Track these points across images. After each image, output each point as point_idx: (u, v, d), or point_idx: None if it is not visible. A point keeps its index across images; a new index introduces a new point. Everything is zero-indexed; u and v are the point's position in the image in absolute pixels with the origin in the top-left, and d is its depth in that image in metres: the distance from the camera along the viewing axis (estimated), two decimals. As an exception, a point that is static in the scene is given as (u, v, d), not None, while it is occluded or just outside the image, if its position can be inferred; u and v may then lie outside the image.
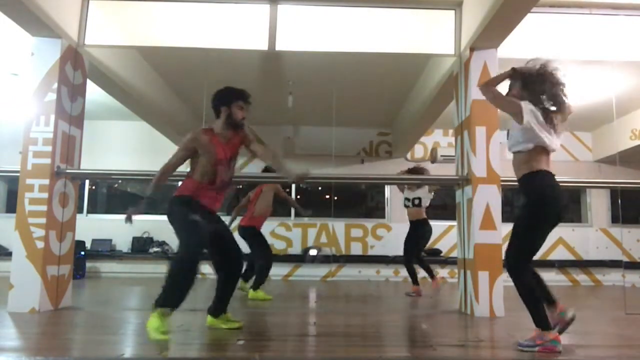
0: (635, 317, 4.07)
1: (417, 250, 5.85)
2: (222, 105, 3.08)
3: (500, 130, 4.18)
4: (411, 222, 5.84)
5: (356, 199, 8.98)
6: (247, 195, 5.55)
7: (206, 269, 5.26)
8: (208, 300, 3.22)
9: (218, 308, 3.16)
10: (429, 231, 5.82)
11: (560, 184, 2.78)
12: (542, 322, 2.60)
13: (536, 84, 2.77)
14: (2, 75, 5.98)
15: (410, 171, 5.73)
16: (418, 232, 5.76)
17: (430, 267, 5.95)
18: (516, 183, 2.85)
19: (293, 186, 8.34)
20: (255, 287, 5.04)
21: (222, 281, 3.16)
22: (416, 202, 5.76)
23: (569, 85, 2.86)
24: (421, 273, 5.84)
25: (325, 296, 5.93)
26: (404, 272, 5.66)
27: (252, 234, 5.29)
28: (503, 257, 2.77)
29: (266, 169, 4.93)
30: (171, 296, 2.70)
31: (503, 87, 2.91)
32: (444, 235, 8.09)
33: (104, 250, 7.88)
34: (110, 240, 7.99)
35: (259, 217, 5.38)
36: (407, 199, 5.86)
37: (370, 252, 8.12)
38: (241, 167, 8.00)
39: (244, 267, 5.31)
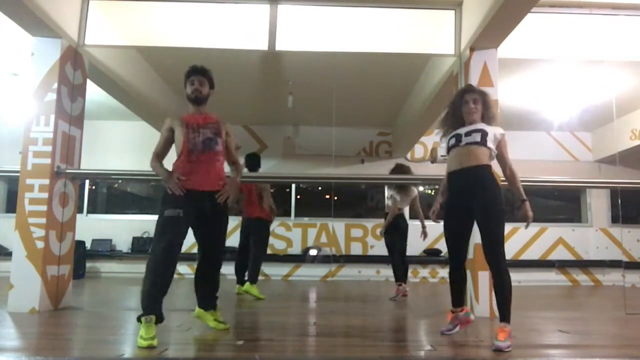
0: (635, 317, 4.07)
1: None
2: (186, 80, 3.14)
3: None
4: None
5: (356, 199, 8.99)
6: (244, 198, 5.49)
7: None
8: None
9: (203, 301, 3.16)
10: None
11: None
12: (508, 316, 2.71)
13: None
14: (2, 75, 5.98)
15: (396, 170, 5.52)
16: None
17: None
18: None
19: (293, 186, 8.35)
20: (254, 280, 5.06)
21: (200, 274, 3.14)
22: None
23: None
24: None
25: (325, 296, 5.92)
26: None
27: (267, 226, 5.38)
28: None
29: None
30: (144, 302, 2.75)
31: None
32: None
33: (104, 250, 7.88)
34: (110, 240, 7.99)
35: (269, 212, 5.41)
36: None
37: (370, 252, 8.12)
38: (241, 167, 7.99)
39: (237, 270, 5.34)
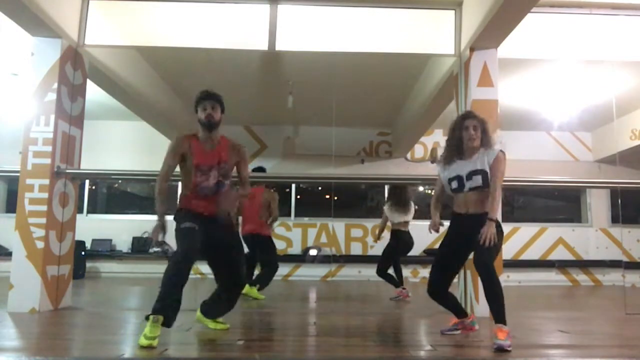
0: (635, 317, 4.07)
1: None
2: (197, 107, 3.05)
3: (500, 130, 4.19)
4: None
5: (356, 199, 8.98)
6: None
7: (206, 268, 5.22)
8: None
9: (210, 312, 3.13)
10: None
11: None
12: (504, 319, 2.71)
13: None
14: (2, 75, 5.98)
15: (397, 201, 5.55)
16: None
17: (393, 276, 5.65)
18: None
19: (293, 186, 8.35)
20: (261, 287, 5.09)
21: (219, 292, 3.12)
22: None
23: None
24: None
25: (325, 296, 5.93)
26: (404, 272, 5.63)
27: (270, 241, 5.40)
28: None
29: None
30: (157, 303, 2.69)
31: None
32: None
33: (104, 250, 7.88)
34: (110, 240, 7.99)
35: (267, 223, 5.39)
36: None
37: (370, 252, 8.11)
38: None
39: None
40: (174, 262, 2.75)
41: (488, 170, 2.92)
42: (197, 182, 2.98)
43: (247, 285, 5.11)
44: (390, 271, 5.53)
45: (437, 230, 3.19)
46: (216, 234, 2.96)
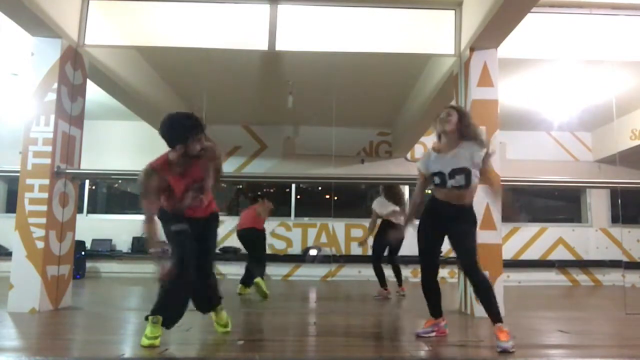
0: (635, 317, 4.07)
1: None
2: (178, 143, 2.75)
3: (500, 130, 4.19)
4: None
5: (356, 199, 8.98)
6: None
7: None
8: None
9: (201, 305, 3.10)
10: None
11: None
12: (499, 315, 2.75)
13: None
14: (2, 75, 5.98)
15: (388, 190, 5.58)
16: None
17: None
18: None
19: (293, 186, 8.35)
20: (250, 284, 5.17)
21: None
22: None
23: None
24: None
25: (325, 296, 5.93)
26: (403, 272, 5.63)
27: (264, 236, 5.49)
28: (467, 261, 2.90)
29: None
30: (155, 304, 2.71)
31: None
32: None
33: (104, 250, 7.88)
34: (110, 240, 7.99)
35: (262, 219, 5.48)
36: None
37: (370, 252, 8.09)
38: (241, 168, 8.00)
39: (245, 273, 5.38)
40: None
41: (471, 168, 2.86)
42: (173, 204, 2.85)
43: (242, 286, 5.20)
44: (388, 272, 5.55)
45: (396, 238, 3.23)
46: (198, 228, 2.90)
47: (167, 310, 2.71)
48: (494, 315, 2.73)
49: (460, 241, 2.92)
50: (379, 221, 5.70)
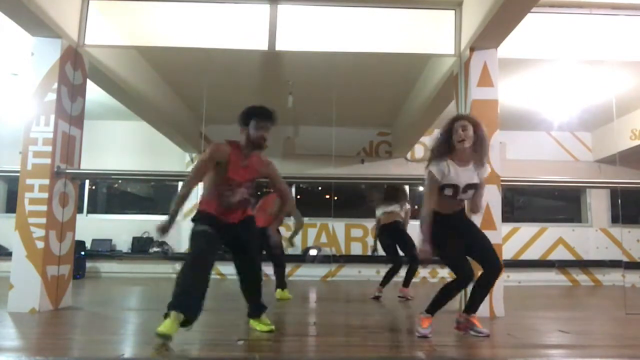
0: (635, 317, 4.07)
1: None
2: (243, 125, 3.07)
3: (500, 130, 4.19)
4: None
5: (356, 199, 8.98)
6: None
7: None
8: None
9: (249, 310, 3.25)
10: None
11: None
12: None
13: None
14: (2, 75, 5.98)
15: (388, 190, 5.54)
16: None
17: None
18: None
19: (293, 186, 8.35)
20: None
21: (240, 284, 3.21)
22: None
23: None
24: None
25: (325, 296, 5.93)
26: (403, 272, 5.63)
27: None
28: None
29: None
30: (176, 298, 2.70)
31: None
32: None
33: (104, 250, 7.88)
34: (110, 240, 7.99)
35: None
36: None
37: (370, 252, 8.11)
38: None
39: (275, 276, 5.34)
40: (184, 265, 2.80)
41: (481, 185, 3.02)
42: (222, 194, 2.95)
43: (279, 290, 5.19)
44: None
45: (428, 262, 3.02)
46: (233, 233, 3.00)
47: (187, 306, 2.68)
48: (477, 307, 3.01)
49: (479, 242, 3.02)
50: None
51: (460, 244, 3.01)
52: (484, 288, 2.99)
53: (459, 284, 2.97)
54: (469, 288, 3.10)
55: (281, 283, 5.22)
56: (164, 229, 2.80)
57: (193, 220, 2.97)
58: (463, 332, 3.02)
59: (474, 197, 3.03)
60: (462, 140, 2.89)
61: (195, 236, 2.89)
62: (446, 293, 3.01)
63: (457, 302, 4.34)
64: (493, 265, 2.94)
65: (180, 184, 3.12)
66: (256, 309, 3.21)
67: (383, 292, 5.36)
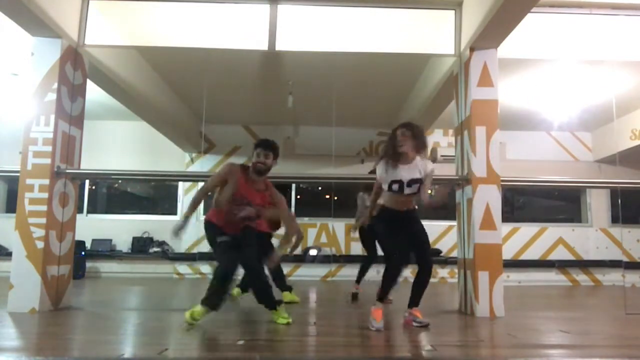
0: (635, 317, 4.07)
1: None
2: (255, 148, 3.55)
3: (500, 130, 4.19)
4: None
5: (356, 199, 8.96)
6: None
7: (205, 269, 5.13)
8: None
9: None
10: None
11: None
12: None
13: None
14: (2, 75, 5.99)
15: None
16: None
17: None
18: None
19: (293, 186, 8.36)
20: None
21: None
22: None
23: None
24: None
25: (325, 296, 5.92)
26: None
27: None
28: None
29: None
30: (210, 299, 3.30)
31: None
32: (444, 235, 8.10)
33: (104, 250, 7.88)
34: (110, 240, 7.99)
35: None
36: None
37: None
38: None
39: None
40: (216, 276, 3.35)
41: (424, 179, 3.42)
42: (230, 209, 3.45)
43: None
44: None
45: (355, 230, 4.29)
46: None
47: (215, 305, 3.31)
48: (417, 302, 3.47)
49: (420, 240, 3.50)
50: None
51: (402, 236, 3.46)
52: (419, 284, 3.52)
53: (392, 268, 3.44)
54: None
55: (284, 287, 5.14)
56: (179, 229, 3.31)
57: (207, 227, 3.57)
58: (409, 325, 3.39)
59: (420, 190, 3.43)
60: (401, 145, 3.38)
61: (219, 248, 3.46)
62: (386, 278, 3.47)
63: (457, 303, 4.34)
64: (425, 262, 3.50)
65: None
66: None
67: (360, 289, 5.40)
